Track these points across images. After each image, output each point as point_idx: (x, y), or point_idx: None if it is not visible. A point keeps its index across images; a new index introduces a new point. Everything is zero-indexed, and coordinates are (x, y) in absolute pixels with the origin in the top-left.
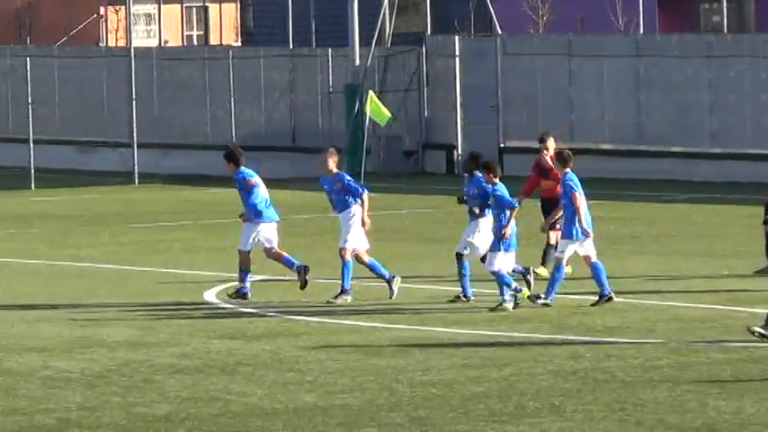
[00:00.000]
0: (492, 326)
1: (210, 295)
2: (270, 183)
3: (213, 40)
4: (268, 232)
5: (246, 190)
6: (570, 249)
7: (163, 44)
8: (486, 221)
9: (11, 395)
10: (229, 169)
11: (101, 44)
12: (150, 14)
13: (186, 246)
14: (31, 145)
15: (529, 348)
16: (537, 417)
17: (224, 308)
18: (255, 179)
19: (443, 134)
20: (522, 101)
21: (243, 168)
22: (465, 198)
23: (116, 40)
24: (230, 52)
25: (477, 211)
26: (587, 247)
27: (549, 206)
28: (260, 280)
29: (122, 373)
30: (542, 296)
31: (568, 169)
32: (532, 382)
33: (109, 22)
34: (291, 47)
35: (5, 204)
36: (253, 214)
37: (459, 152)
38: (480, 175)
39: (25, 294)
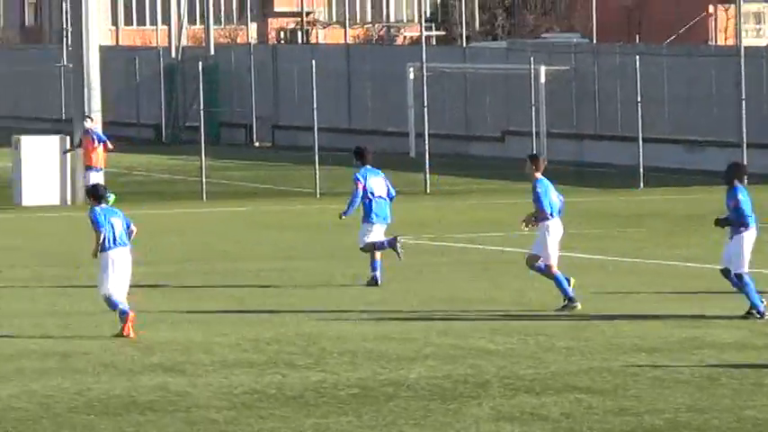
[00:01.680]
0: None
1: None
2: None
3: None
4: (374, 232)
5: (355, 188)
6: None
7: None
8: (751, 234)
9: (620, 395)
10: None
11: (710, 42)
12: (760, 13)
13: None
14: (641, 143)
15: None
16: None
17: None
18: (365, 181)
19: None
20: None
21: (363, 167)
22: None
23: (725, 38)
24: None
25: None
26: None
27: None
28: None
29: (732, 376)
30: None
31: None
32: None
33: (718, 21)
34: None
35: (613, 202)
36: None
37: None
38: (739, 186)
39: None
